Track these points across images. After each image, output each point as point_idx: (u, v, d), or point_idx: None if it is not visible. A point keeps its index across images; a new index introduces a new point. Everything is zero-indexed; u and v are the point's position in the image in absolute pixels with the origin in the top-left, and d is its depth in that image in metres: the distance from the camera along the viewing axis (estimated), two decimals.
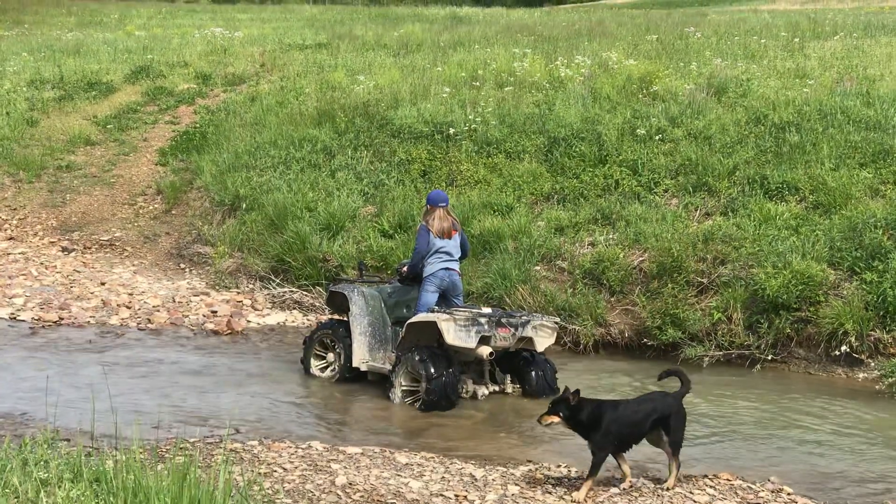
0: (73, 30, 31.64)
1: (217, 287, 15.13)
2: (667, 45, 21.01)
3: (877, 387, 11.10)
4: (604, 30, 24.66)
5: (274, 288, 14.71)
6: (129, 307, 13.90)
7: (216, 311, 13.83)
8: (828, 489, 7.81)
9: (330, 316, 12.17)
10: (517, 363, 10.54)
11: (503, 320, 10.09)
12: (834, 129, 14.77)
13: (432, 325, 9.91)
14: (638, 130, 15.57)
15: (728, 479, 7.74)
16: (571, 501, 7.11)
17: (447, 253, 10.60)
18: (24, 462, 5.99)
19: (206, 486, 5.58)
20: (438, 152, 16.31)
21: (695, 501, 7.25)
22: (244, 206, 16.29)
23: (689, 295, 12.51)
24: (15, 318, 13.26)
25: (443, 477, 7.51)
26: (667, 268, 12.70)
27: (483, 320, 9.92)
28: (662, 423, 7.45)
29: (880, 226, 12.36)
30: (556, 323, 10.66)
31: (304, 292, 14.48)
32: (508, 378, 10.55)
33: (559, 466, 7.99)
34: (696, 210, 13.92)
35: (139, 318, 13.51)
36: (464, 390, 10.22)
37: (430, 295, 10.53)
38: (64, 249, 17.11)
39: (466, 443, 8.87)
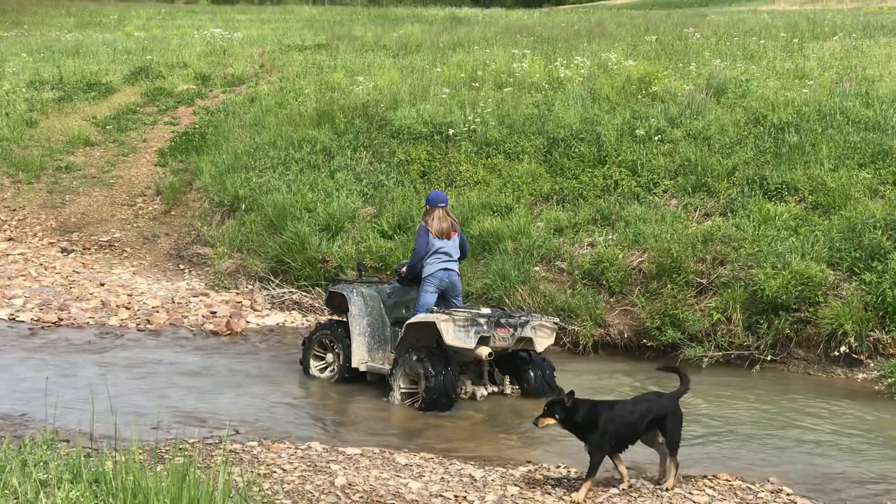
0: (72, 31, 31.63)
1: (216, 288, 15.12)
2: (666, 46, 21.02)
3: (876, 387, 11.10)
4: (603, 30, 24.67)
5: (273, 289, 14.71)
6: (128, 308, 13.90)
7: (215, 312, 13.83)
8: (827, 490, 7.81)
9: (329, 316, 12.18)
10: (516, 364, 10.54)
11: (502, 321, 10.09)
12: (833, 129, 14.78)
13: (431, 326, 9.91)
14: (637, 131, 15.57)
15: (727, 480, 7.75)
16: (571, 502, 7.11)
17: (446, 253, 10.60)
18: (24, 463, 5.99)
19: (206, 486, 5.58)
20: (438, 153, 16.31)
21: (694, 502, 7.25)
22: (243, 206, 16.28)
23: (688, 295, 12.52)
24: (14, 318, 13.25)
25: (442, 478, 7.51)
26: (666, 268, 12.70)
27: (482, 321, 9.92)
28: (659, 423, 7.45)
29: (879, 226, 12.36)
30: (556, 323, 10.66)
31: (304, 293, 14.48)
32: (507, 379, 10.55)
33: (558, 467, 7.99)
34: (696, 211, 13.92)
35: (138, 318, 13.51)
36: (463, 391, 10.22)
37: (429, 295, 10.53)
38: (63, 250, 17.11)
39: (466, 443, 8.86)
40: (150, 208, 18.15)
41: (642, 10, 36.38)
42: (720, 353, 12.04)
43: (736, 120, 15.64)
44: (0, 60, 25.38)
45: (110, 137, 20.73)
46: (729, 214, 13.56)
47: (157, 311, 13.80)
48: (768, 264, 12.18)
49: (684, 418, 7.73)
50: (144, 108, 21.98)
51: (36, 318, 13.22)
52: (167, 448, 7.67)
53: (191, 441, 7.94)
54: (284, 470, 7.40)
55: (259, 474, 7.06)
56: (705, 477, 7.78)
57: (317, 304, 14.07)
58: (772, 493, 7.53)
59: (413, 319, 10.20)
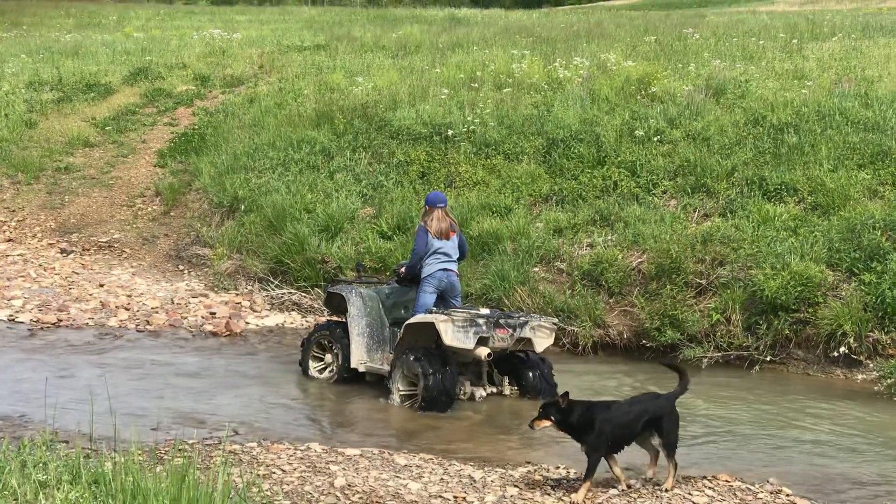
0: (71, 31, 31.63)
1: (216, 289, 15.12)
2: (665, 47, 21.02)
3: (875, 388, 11.11)
4: (602, 31, 24.67)
5: (272, 289, 14.71)
6: (127, 309, 13.89)
7: (215, 313, 13.83)
8: (827, 490, 7.81)
9: (328, 317, 12.18)
10: (514, 364, 10.54)
11: (501, 321, 10.09)
12: (832, 130, 14.78)
13: (430, 326, 9.91)
14: (636, 132, 15.57)
15: (727, 481, 7.74)
16: (570, 503, 7.11)
17: (445, 254, 10.60)
18: (23, 464, 5.99)
19: (205, 487, 5.57)
20: (437, 154, 16.31)
21: (693, 502, 7.25)
22: (243, 207, 16.28)
23: (687, 296, 12.52)
24: (13, 319, 13.25)
25: (441, 478, 7.51)
26: (665, 269, 12.71)
27: (481, 321, 9.92)
28: (655, 424, 7.44)
29: (879, 227, 12.37)
30: (555, 324, 10.65)
31: (303, 294, 14.48)
32: (506, 379, 10.55)
33: (558, 468, 7.99)
34: (695, 211, 13.93)
35: (138, 319, 13.51)
36: (461, 392, 10.21)
37: (428, 296, 10.52)
38: (62, 251, 17.10)
39: (465, 444, 8.86)
40: (150, 209, 18.15)
41: (641, 11, 36.39)
42: (719, 354, 12.05)
43: (735, 120, 15.64)
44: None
45: (109, 138, 20.72)
46: (728, 215, 13.57)
47: (157, 312, 13.79)
48: (767, 265, 12.18)
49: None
50: (144, 109, 21.97)
51: (35, 319, 13.22)
52: (166, 449, 7.67)
53: (190, 442, 7.94)
54: (284, 471, 7.40)
55: (258, 475, 7.06)
56: (704, 478, 7.78)
57: (316, 305, 14.07)
58: (771, 493, 7.54)
59: (412, 320, 10.19)
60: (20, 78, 23.62)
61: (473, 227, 14.10)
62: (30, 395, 9.47)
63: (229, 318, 13.53)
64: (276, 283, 14.80)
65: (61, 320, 13.25)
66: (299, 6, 42.47)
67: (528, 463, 8.15)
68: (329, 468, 7.54)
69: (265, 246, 15.23)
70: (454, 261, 10.73)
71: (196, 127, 20.47)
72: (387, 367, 10.36)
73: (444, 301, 10.63)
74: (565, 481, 7.58)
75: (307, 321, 13.77)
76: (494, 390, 10.49)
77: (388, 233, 14.74)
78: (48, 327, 12.99)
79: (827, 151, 14.20)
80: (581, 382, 11.04)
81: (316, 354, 11.15)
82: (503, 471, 7.84)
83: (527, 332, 10.17)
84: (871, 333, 11.52)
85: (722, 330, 12.14)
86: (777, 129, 15.11)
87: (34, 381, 9.97)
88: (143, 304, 14.18)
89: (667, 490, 7.37)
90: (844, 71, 17.60)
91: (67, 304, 13.88)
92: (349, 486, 7.10)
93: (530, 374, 10.41)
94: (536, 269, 13.43)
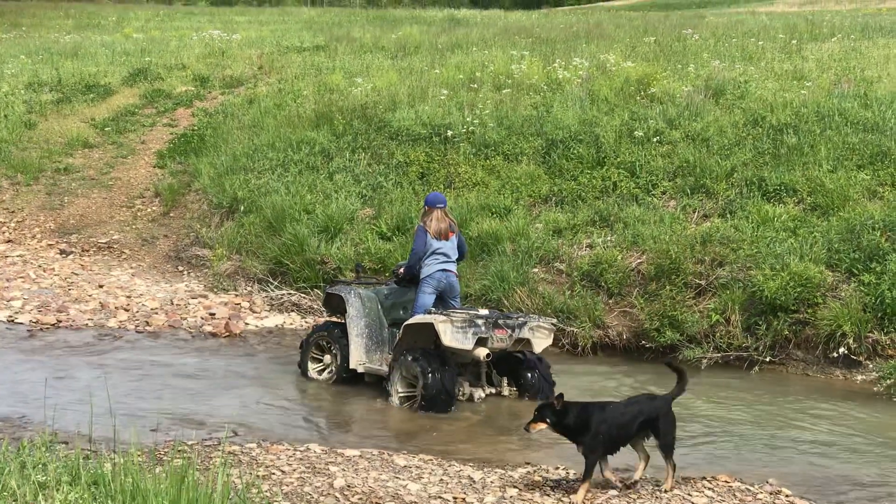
0: (70, 32, 31.62)
1: (215, 289, 15.12)
2: (664, 48, 21.02)
3: (875, 388, 11.11)
4: (601, 32, 24.67)
5: (272, 290, 14.71)
6: (127, 310, 13.89)
7: (214, 314, 13.83)
8: (826, 491, 7.82)
9: (326, 318, 12.17)
10: (513, 365, 10.54)
11: (500, 322, 10.08)
12: (832, 130, 14.79)
13: (429, 327, 9.91)
14: (636, 132, 15.58)
15: (726, 481, 7.75)
16: None
17: (444, 254, 10.59)
18: (23, 465, 5.98)
19: (205, 488, 5.58)
20: (436, 154, 16.31)
21: (693, 503, 7.25)
22: (242, 208, 16.28)
23: (687, 297, 12.52)
24: (13, 320, 13.24)
25: (441, 479, 7.51)
26: (665, 270, 12.71)
27: (480, 322, 9.91)
28: (651, 426, 7.42)
29: (878, 227, 12.38)
30: (554, 324, 10.65)
31: (303, 295, 14.48)
32: (505, 380, 10.55)
33: (557, 469, 7.99)
34: (694, 212, 13.93)
35: (137, 320, 13.51)
36: (460, 393, 10.21)
37: (426, 297, 10.52)
38: (62, 252, 17.10)
39: (464, 445, 8.86)
40: (149, 210, 18.14)
41: (641, 12, 36.36)
42: (719, 355, 12.05)
43: (734, 121, 15.65)
44: None
45: (109, 139, 20.72)
46: (728, 216, 13.57)
47: (156, 313, 13.79)
48: (767, 265, 12.19)
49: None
50: (143, 110, 21.97)
51: (35, 320, 13.21)
52: (166, 450, 7.67)
53: (189, 443, 7.94)
54: (283, 471, 7.40)
55: (258, 476, 7.06)
56: (704, 478, 7.79)
57: (315, 306, 14.07)
58: (771, 494, 7.54)
59: (411, 321, 10.19)
60: (19, 79, 23.62)
61: (473, 227, 14.10)
62: (29, 396, 9.48)
63: (229, 319, 13.52)
64: (276, 283, 14.80)
65: (61, 321, 13.24)
66: (299, 7, 42.50)
67: (528, 464, 8.15)
68: (328, 469, 7.54)
69: (264, 247, 15.22)
70: (453, 261, 10.73)
71: (195, 128, 20.47)
72: (386, 368, 10.35)
73: (443, 302, 10.62)
74: (565, 482, 7.58)
75: (307, 322, 13.77)
76: (493, 391, 10.49)
77: (387, 234, 14.74)
78: (47, 328, 12.98)
79: (826, 152, 14.20)
80: (580, 383, 11.04)
81: (314, 356, 11.14)
82: (503, 471, 7.84)
83: (525, 333, 10.17)
84: (870, 334, 11.52)
85: (721, 330, 12.14)
86: (776, 130, 15.11)
87: (33, 382, 9.97)
88: (143, 305, 14.17)
89: (666, 491, 7.37)
90: (844, 71, 17.61)
91: (67, 305, 13.88)
92: (348, 486, 7.10)
93: (529, 375, 10.41)
94: (536, 270, 13.43)
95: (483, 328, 9.89)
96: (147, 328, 13.23)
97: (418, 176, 16.02)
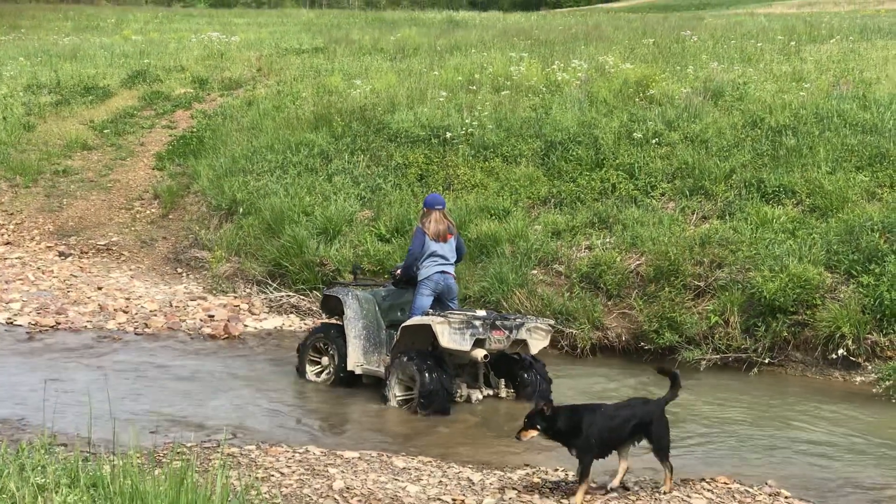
0: (69, 34, 31.62)
1: (214, 291, 15.12)
2: (663, 49, 21.03)
3: (874, 390, 11.11)
4: (600, 34, 24.68)
5: (271, 292, 14.70)
6: (126, 312, 13.89)
7: (213, 316, 13.83)
8: (825, 492, 7.82)
9: (325, 320, 12.17)
10: (511, 366, 10.53)
11: (497, 323, 10.08)
12: (830, 132, 14.79)
13: (427, 329, 9.91)
14: (634, 134, 15.58)
15: (725, 483, 7.74)
16: None
17: (442, 256, 10.59)
18: (22, 467, 5.98)
19: (204, 490, 5.57)
20: (435, 156, 16.31)
21: None
22: (241, 210, 16.28)
23: (686, 298, 12.52)
24: (12, 322, 13.23)
25: (440, 481, 7.51)
26: (664, 271, 12.71)
27: (477, 323, 9.91)
28: (644, 430, 7.38)
29: (877, 229, 12.38)
30: (551, 325, 10.65)
31: (301, 296, 14.47)
32: (502, 381, 10.54)
33: (556, 470, 7.99)
34: (693, 214, 13.93)
35: (136, 322, 13.50)
36: (458, 394, 10.21)
37: (424, 298, 10.52)
38: (61, 254, 17.09)
39: (463, 447, 8.86)
40: (148, 212, 18.14)
41: (639, 14, 36.40)
42: (718, 356, 12.05)
43: (733, 123, 15.65)
44: None
45: (108, 141, 20.71)
46: (726, 217, 13.57)
47: (155, 315, 13.79)
48: (766, 267, 12.19)
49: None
50: (142, 112, 21.97)
51: (33, 322, 13.21)
52: (165, 452, 7.67)
53: (188, 445, 7.93)
54: (282, 473, 7.40)
55: (257, 478, 7.06)
56: (703, 480, 7.78)
57: (314, 308, 14.06)
58: (770, 496, 7.54)
59: (408, 322, 10.19)
60: (18, 81, 23.61)
61: (472, 229, 14.10)
62: (28, 398, 9.47)
63: (227, 320, 13.52)
64: (275, 285, 14.79)
65: (59, 323, 13.24)
66: (297, 9, 42.51)
67: (527, 465, 8.15)
68: (328, 471, 7.54)
69: (263, 249, 15.22)
70: (451, 263, 10.73)
71: (194, 130, 20.46)
72: (383, 370, 10.35)
73: (440, 303, 10.62)
74: (563, 484, 7.58)
75: (305, 324, 13.76)
76: (491, 392, 10.48)
77: (386, 235, 14.74)
78: (46, 330, 12.98)
79: (825, 153, 14.21)
80: (579, 385, 11.04)
81: (312, 358, 11.14)
82: (501, 473, 7.84)
83: (523, 334, 10.17)
84: (869, 335, 11.53)
85: (720, 332, 12.14)
86: (775, 132, 15.12)
87: (32, 384, 9.97)
88: (142, 307, 14.17)
89: (665, 492, 7.37)
90: (842, 73, 17.62)
91: (66, 307, 13.88)
92: (348, 488, 7.10)
93: (526, 375, 10.41)
94: (535, 272, 13.43)
95: (481, 329, 9.89)
96: (146, 330, 13.23)
97: (417, 178, 16.02)
